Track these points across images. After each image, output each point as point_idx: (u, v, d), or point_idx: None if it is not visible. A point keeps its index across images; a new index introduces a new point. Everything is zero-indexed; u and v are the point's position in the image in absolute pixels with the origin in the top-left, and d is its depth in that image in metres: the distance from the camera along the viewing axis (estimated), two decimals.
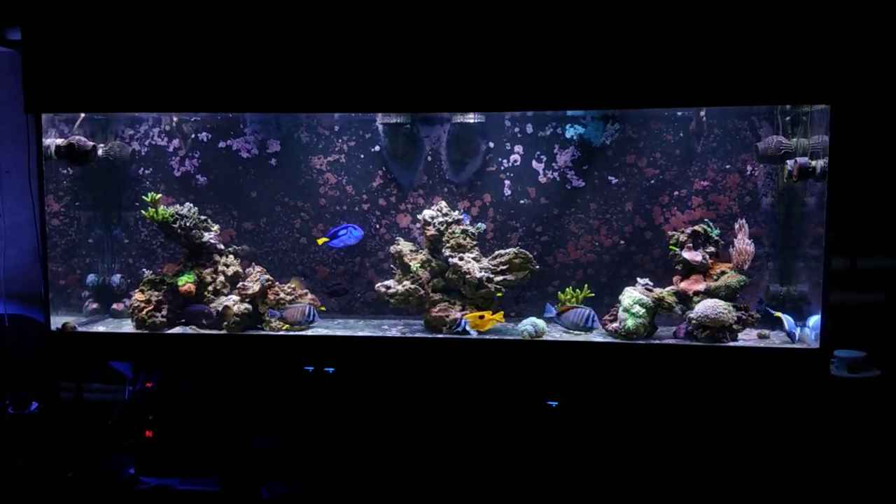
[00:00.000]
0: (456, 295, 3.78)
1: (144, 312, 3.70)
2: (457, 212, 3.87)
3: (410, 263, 3.77)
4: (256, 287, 3.73)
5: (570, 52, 3.26)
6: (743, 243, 3.57)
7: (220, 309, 3.70)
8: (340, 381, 3.62)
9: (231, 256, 3.91)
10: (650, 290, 3.59)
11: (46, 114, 3.67)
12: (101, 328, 3.86)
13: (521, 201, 3.98)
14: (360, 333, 3.71)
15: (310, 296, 3.88)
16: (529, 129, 3.94)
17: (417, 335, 3.68)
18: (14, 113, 3.65)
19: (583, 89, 3.30)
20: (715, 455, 3.44)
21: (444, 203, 3.88)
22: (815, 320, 3.39)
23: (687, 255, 3.61)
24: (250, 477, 3.66)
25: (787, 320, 3.46)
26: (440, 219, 3.81)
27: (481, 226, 3.90)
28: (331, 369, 3.61)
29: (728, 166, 3.82)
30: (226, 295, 3.79)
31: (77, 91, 3.51)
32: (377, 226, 4.07)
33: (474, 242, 3.83)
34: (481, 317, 3.61)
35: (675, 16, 3.19)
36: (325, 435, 3.67)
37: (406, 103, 3.48)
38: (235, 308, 3.67)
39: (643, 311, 3.50)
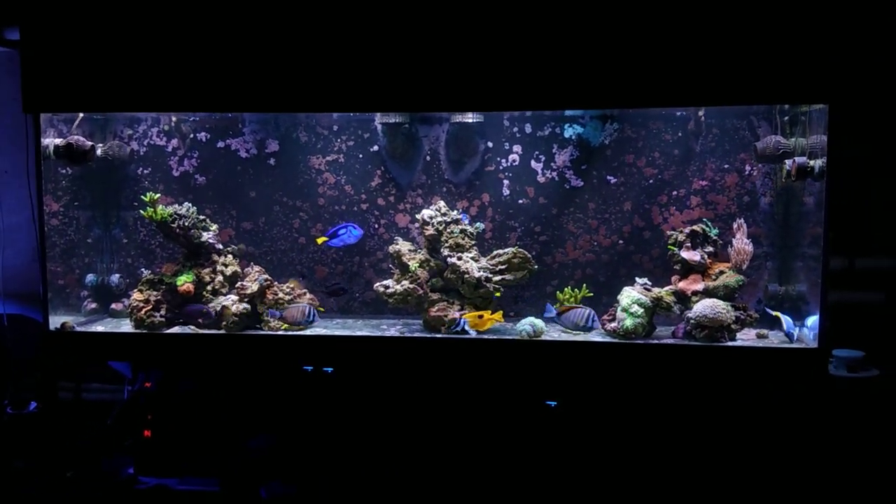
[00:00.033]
0: (454, 295, 3.78)
1: (143, 312, 3.70)
2: (455, 211, 3.87)
3: (409, 263, 3.77)
4: (255, 287, 3.74)
5: (568, 52, 3.26)
6: (741, 243, 3.57)
7: (218, 309, 3.70)
8: (339, 381, 3.62)
9: (230, 256, 3.91)
10: (648, 290, 3.60)
11: (45, 113, 3.67)
12: (99, 328, 3.86)
13: (520, 201, 3.98)
14: (359, 333, 3.71)
15: (308, 295, 3.89)
16: (528, 128, 3.94)
17: (416, 335, 3.68)
18: (12, 113, 3.65)
19: (581, 89, 3.30)
20: (714, 455, 3.44)
21: (442, 203, 3.88)
22: (813, 320, 3.39)
23: (685, 254, 3.61)
24: (249, 477, 3.67)
25: (786, 320, 3.46)
26: (439, 218, 3.81)
27: (480, 225, 3.90)
28: (329, 369, 3.62)
29: (727, 166, 3.82)
30: (224, 295, 3.79)
31: (75, 91, 3.51)
32: (376, 225, 4.07)
33: (473, 242, 3.83)
34: (480, 316, 3.61)
35: (673, 15, 3.19)
36: (323, 435, 3.67)
37: (405, 103, 3.48)
38: (234, 308, 3.67)
39: (641, 310, 3.50)
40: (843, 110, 3.19)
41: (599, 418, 3.51)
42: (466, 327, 3.57)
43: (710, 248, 3.63)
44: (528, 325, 3.58)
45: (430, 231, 3.79)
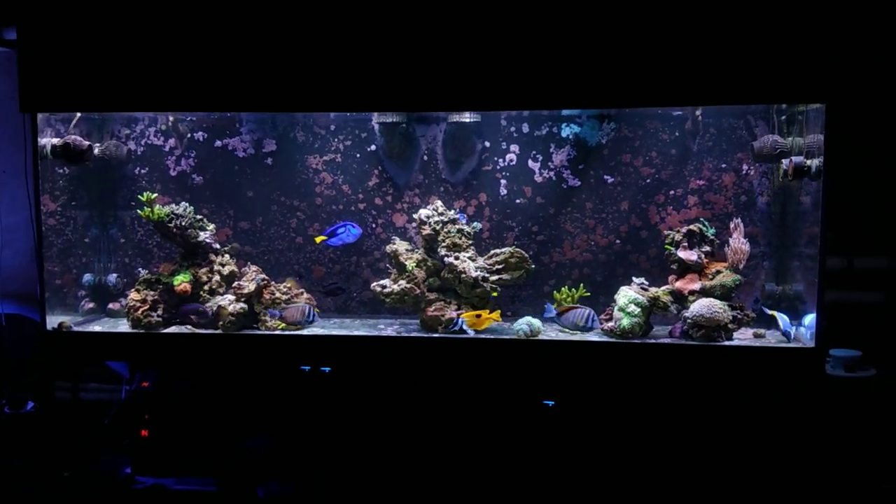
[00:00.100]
0: (452, 294, 3.78)
1: (140, 312, 3.70)
2: (453, 211, 3.87)
3: (406, 263, 3.77)
4: (252, 286, 3.73)
5: (565, 52, 3.26)
6: (738, 242, 3.57)
7: (214, 308, 3.70)
8: (336, 381, 3.62)
9: (227, 256, 3.91)
10: (646, 290, 3.59)
11: (42, 113, 3.67)
12: (96, 328, 3.86)
13: (517, 200, 3.98)
14: (356, 333, 3.71)
15: (305, 295, 3.89)
16: (525, 128, 3.94)
17: (413, 334, 3.68)
18: (10, 112, 3.64)
19: (579, 88, 3.30)
20: (711, 454, 3.44)
21: (440, 202, 3.88)
22: (810, 319, 3.39)
23: (682, 254, 3.61)
24: (246, 476, 3.66)
25: (782, 319, 3.46)
26: (436, 218, 3.81)
27: (477, 225, 3.90)
28: (327, 369, 3.61)
29: (724, 165, 3.82)
30: (221, 294, 3.79)
31: (73, 90, 3.51)
32: (373, 225, 4.07)
33: (470, 242, 3.83)
34: (478, 315, 3.61)
35: (670, 15, 3.19)
36: (320, 434, 3.67)
37: (402, 102, 3.48)
38: (230, 308, 3.67)
39: (639, 310, 3.50)
40: (839, 110, 3.19)
41: (596, 418, 3.50)
42: (464, 326, 3.57)
43: (707, 248, 3.63)
44: (524, 324, 3.58)
45: (427, 231, 3.79)
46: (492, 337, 3.59)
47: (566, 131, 3.92)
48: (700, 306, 3.43)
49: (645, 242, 3.91)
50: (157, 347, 3.70)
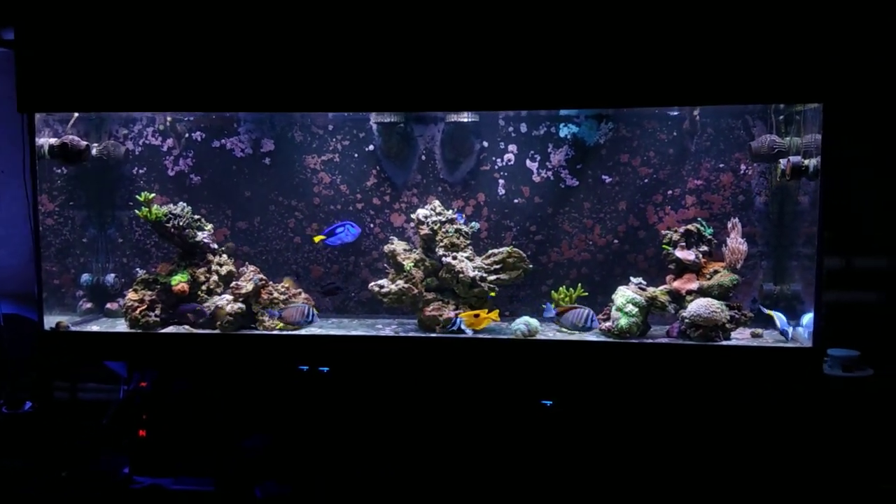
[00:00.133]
0: (449, 294, 3.78)
1: (138, 312, 3.70)
2: (450, 211, 3.87)
3: (404, 262, 3.77)
4: (250, 286, 3.74)
5: (563, 51, 3.26)
6: (736, 242, 3.57)
7: (212, 308, 3.70)
8: (334, 381, 3.62)
9: (224, 256, 3.91)
10: (643, 289, 3.59)
11: (40, 113, 3.67)
12: (94, 328, 3.86)
13: (515, 200, 3.98)
14: (354, 333, 3.71)
15: (303, 295, 3.88)
16: (523, 128, 3.94)
17: (411, 334, 3.69)
18: (8, 112, 3.64)
19: (576, 88, 3.30)
20: (708, 454, 3.44)
21: (437, 202, 3.88)
22: (808, 319, 3.39)
23: (680, 254, 3.61)
24: (244, 476, 3.66)
25: (780, 318, 3.46)
26: (434, 218, 3.81)
27: (475, 225, 3.90)
28: (325, 369, 3.61)
29: (721, 165, 3.82)
30: (219, 294, 3.79)
31: (70, 90, 3.51)
32: (371, 225, 4.07)
33: (468, 241, 3.83)
34: (476, 315, 3.61)
35: (668, 15, 3.19)
36: (318, 434, 3.67)
37: (400, 102, 3.48)
38: (228, 308, 3.67)
39: (636, 310, 3.50)
40: (837, 109, 3.20)
41: (594, 418, 3.50)
42: (463, 326, 3.57)
43: (705, 248, 3.63)
44: (522, 324, 3.58)
45: (425, 230, 3.79)
46: (489, 337, 3.59)
47: (564, 131, 3.92)
48: (697, 306, 3.43)
49: (643, 242, 3.91)
50: (155, 347, 3.70)
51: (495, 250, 3.81)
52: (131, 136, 4.12)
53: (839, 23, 3.17)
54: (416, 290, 3.72)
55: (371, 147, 4.04)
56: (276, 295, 3.79)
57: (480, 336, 3.59)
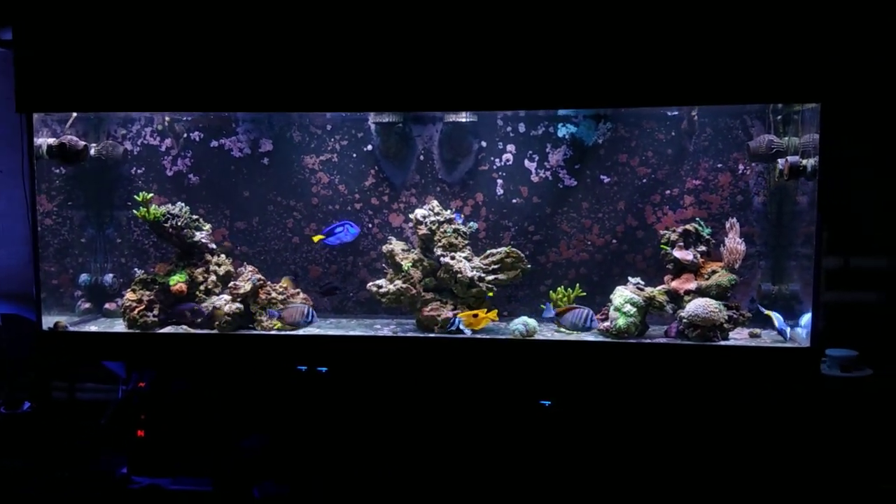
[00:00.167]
0: (448, 294, 3.78)
1: (136, 312, 3.70)
2: (449, 211, 3.87)
3: (402, 263, 3.77)
4: (248, 287, 3.74)
5: (561, 51, 3.26)
6: (734, 242, 3.57)
7: (209, 308, 3.70)
8: (332, 381, 3.62)
9: (223, 256, 3.91)
10: (641, 289, 3.59)
11: (38, 113, 3.67)
12: (92, 328, 3.86)
13: (514, 200, 3.98)
14: (352, 333, 3.71)
15: (302, 295, 3.88)
16: (522, 128, 3.94)
17: (409, 334, 3.68)
18: (6, 113, 3.64)
19: (575, 88, 3.30)
20: (706, 453, 3.44)
21: (436, 202, 3.88)
22: (807, 319, 3.38)
23: (678, 254, 3.61)
24: (242, 476, 3.66)
25: (777, 318, 3.46)
26: (432, 218, 3.81)
27: (473, 225, 3.90)
28: (324, 369, 3.61)
29: (720, 165, 3.82)
30: (217, 294, 3.79)
31: (69, 91, 3.51)
32: (370, 225, 4.07)
33: (466, 242, 3.83)
34: (475, 315, 3.61)
35: (666, 15, 3.19)
36: (316, 434, 3.67)
37: (398, 102, 3.48)
38: (226, 308, 3.67)
39: (634, 310, 3.50)
40: (835, 109, 3.20)
41: (593, 417, 3.50)
42: (461, 326, 3.57)
43: (703, 248, 3.63)
44: (520, 324, 3.58)
45: (423, 230, 3.79)
46: (487, 337, 3.59)
47: (562, 131, 3.92)
48: (696, 306, 3.43)
49: (641, 242, 3.91)
50: (153, 347, 3.70)
51: (493, 250, 3.81)
52: (129, 136, 4.12)
53: (837, 23, 3.16)
54: (414, 291, 3.72)
55: (369, 147, 4.04)
56: (274, 295, 3.79)
57: (479, 336, 3.59)
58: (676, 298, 3.57)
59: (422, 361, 3.59)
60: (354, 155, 4.06)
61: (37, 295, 3.68)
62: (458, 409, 3.57)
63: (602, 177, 3.91)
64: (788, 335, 3.44)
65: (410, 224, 3.91)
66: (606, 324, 3.56)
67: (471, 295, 3.71)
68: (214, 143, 4.09)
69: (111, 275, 4.11)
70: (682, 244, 3.63)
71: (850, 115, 3.51)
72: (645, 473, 3.47)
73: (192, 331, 3.71)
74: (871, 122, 3.69)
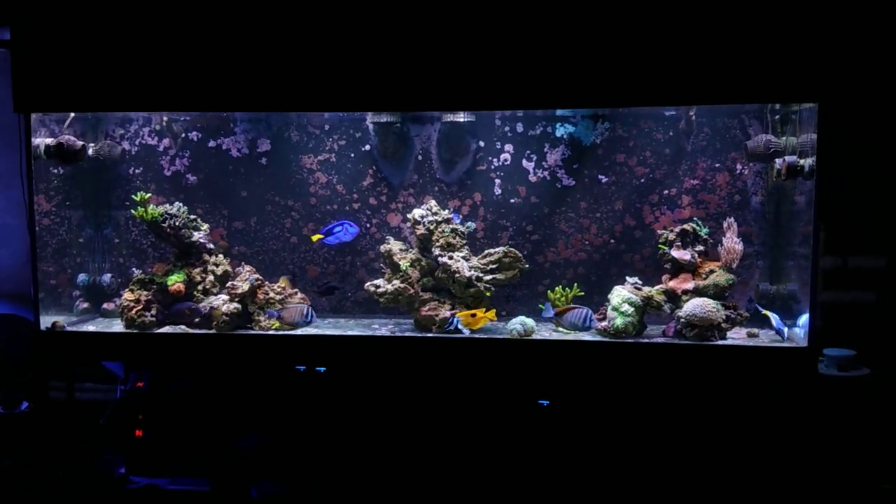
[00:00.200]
0: (445, 294, 3.78)
1: (134, 312, 3.70)
2: (447, 211, 3.87)
3: (400, 262, 3.77)
4: (246, 286, 3.74)
5: (560, 51, 3.26)
6: (731, 242, 3.57)
7: (207, 308, 3.70)
8: (329, 381, 3.62)
9: (220, 255, 3.91)
10: (639, 289, 3.60)
11: (36, 113, 3.67)
12: (90, 328, 3.86)
13: (512, 200, 3.98)
14: (350, 333, 3.71)
15: (300, 295, 3.88)
16: (520, 128, 3.94)
17: (407, 334, 3.68)
18: (3, 113, 3.65)
19: (573, 88, 3.30)
20: (705, 453, 3.44)
21: (434, 202, 3.88)
22: (804, 319, 3.38)
23: (676, 253, 3.61)
24: (239, 476, 3.66)
25: (775, 318, 3.46)
26: (430, 218, 3.81)
27: (471, 225, 3.90)
28: (322, 369, 3.61)
29: (718, 165, 3.82)
30: (215, 294, 3.79)
31: (66, 90, 3.51)
32: (367, 225, 4.07)
33: (464, 241, 3.83)
34: (473, 315, 3.61)
35: (663, 15, 3.19)
36: (314, 434, 3.67)
37: (396, 102, 3.48)
38: (224, 308, 3.67)
39: (632, 309, 3.50)
40: (832, 109, 3.20)
41: (591, 417, 3.50)
42: (459, 326, 3.57)
43: (701, 247, 3.63)
44: (518, 324, 3.58)
45: (421, 230, 3.79)
46: (485, 336, 3.59)
47: (560, 131, 3.92)
48: (693, 306, 3.43)
49: (639, 242, 3.91)
50: (151, 347, 3.70)
51: (491, 250, 3.81)
52: (127, 136, 4.12)
53: (835, 23, 3.17)
54: (412, 290, 3.72)
55: (367, 147, 4.04)
56: (272, 295, 3.79)
57: (476, 336, 3.59)
58: (674, 298, 3.57)
59: (420, 361, 3.59)
60: (352, 155, 4.06)
61: (35, 295, 3.68)
62: (456, 409, 3.57)
63: (600, 176, 3.91)
64: (786, 335, 3.44)
65: (408, 224, 3.90)
66: (604, 323, 3.56)
67: (469, 295, 3.71)
68: (212, 143, 4.09)
69: (109, 275, 4.11)
70: (679, 244, 3.63)
71: (847, 115, 3.52)
72: (642, 473, 3.47)
73: (190, 331, 3.71)
74: (869, 121, 3.69)
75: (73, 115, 3.88)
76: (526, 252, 3.88)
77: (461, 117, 3.85)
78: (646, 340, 3.52)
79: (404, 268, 3.75)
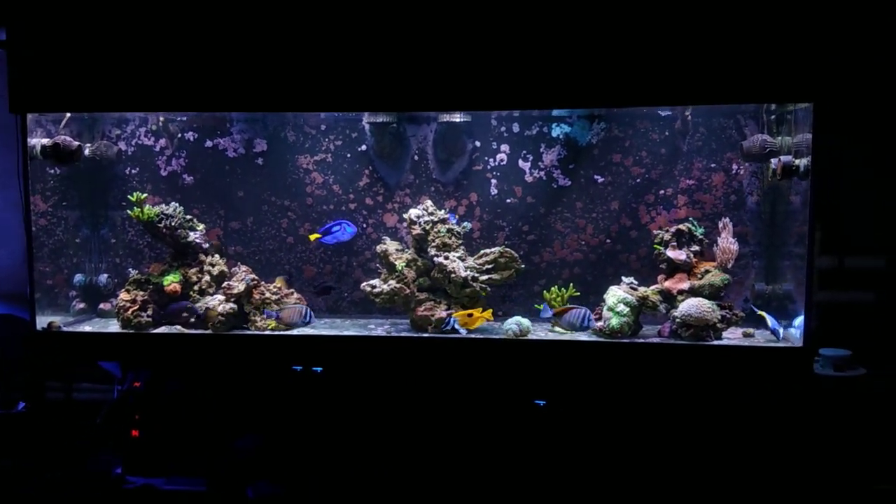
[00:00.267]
0: (442, 294, 3.79)
1: (130, 312, 3.70)
2: (443, 211, 3.87)
3: (396, 263, 3.77)
4: (241, 287, 3.74)
5: (556, 51, 3.26)
6: (727, 242, 3.58)
7: (203, 308, 3.70)
8: (326, 381, 3.62)
9: (216, 256, 3.91)
10: (635, 289, 3.60)
11: (32, 114, 3.67)
12: (87, 328, 3.86)
13: (508, 200, 3.99)
14: (347, 333, 3.71)
15: (296, 295, 3.89)
16: (516, 128, 3.95)
17: (403, 334, 3.69)
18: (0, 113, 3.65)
19: (569, 88, 3.30)
20: (700, 453, 3.44)
21: (430, 202, 3.88)
22: (800, 320, 3.38)
23: (671, 253, 3.61)
24: (236, 477, 3.67)
25: (770, 318, 3.46)
26: (426, 218, 3.81)
27: (467, 225, 3.90)
28: (319, 369, 3.61)
29: (713, 165, 3.82)
30: (211, 294, 3.80)
31: (63, 91, 3.51)
32: (364, 225, 4.07)
33: (460, 242, 3.83)
34: (470, 315, 3.61)
35: (659, 15, 3.19)
36: (311, 434, 3.67)
37: (393, 102, 3.47)
38: (220, 308, 3.67)
39: (628, 309, 3.50)
40: (827, 109, 3.19)
41: (587, 417, 3.50)
42: (456, 326, 3.57)
43: (696, 247, 3.64)
44: (514, 324, 3.59)
45: (417, 230, 3.80)
46: (481, 336, 3.59)
47: (556, 131, 3.92)
48: (689, 306, 3.44)
49: (634, 242, 3.91)
50: (147, 347, 3.70)
51: (487, 250, 3.81)
52: (124, 137, 4.12)
53: (830, 23, 3.17)
54: (408, 290, 3.72)
55: (363, 147, 4.04)
56: (268, 295, 3.79)
57: (472, 336, 3.59)
58: (670, 298, 3.58)
59: (416, 361, 3.60)
60: (349, 155, 4.06)
61: (31, 295, 3.68)
62: (452, 409, 3.57)
63: (596, 177, 3.92)
64: (781, 335, 3.44)
65: (404, 224, 3.91)
66: (600, 323, 3.56)
67: (464, 295, 3.71)
68: (209, 143, 4.10)
69: (106, 275, 4.11)
70: (675, 244, 3.63)
71: (842, 115, 3.52)
72: (639, 473, 3.47)
73: (187, 331, 3.71)
74: (864, 121, 3.70)
75: (69, 115, 3.88)
76: (522, 252, 3.89)
77: (457, 117, 3.85)
78: (641, 340, 3.52)
79: (400, 268, 3.75)
